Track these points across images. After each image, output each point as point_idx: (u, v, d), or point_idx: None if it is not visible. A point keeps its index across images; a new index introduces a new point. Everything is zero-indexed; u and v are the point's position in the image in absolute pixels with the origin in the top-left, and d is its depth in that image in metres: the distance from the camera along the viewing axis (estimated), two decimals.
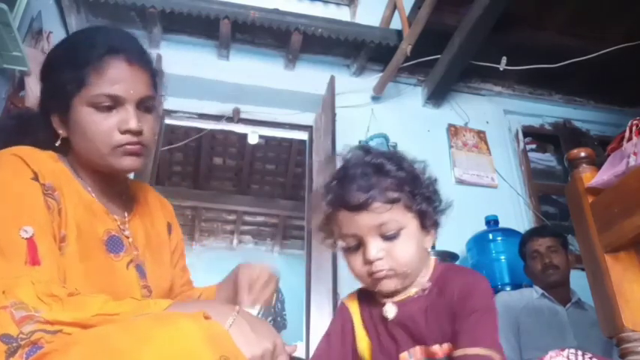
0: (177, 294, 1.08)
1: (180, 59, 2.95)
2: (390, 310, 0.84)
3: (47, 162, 0.88)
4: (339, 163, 0.95)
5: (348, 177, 0.87)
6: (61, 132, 0.92)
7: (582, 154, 1.20)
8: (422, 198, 0.87)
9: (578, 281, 1.99)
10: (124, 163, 0.91)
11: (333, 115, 2.82)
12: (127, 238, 0.96)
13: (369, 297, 0.89)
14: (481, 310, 0.80)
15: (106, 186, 0.96)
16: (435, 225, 0.89)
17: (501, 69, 3.01)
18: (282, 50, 3.14)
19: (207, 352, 0.60)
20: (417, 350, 0.82)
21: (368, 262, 0.83)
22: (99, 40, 0.91)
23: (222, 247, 6.75)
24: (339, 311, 0.92)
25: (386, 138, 3.07)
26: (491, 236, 2.64)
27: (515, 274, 2.49)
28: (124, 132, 0.89)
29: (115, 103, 0.89)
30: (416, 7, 2.87)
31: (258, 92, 3.06)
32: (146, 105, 0.93)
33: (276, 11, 2.95)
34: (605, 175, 1.11)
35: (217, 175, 5.90)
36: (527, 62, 3.06)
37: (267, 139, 5.08)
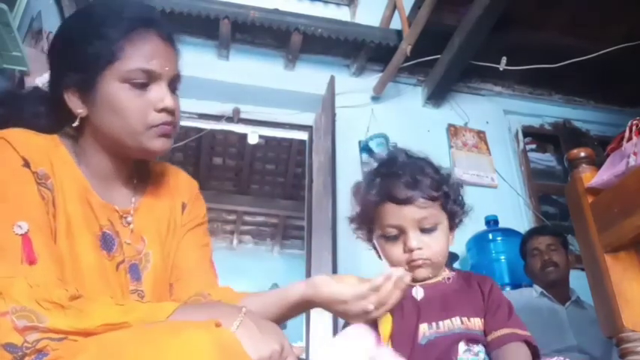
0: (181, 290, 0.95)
1: (180, 59, 2.94)
2: (419, 292, 0.97)
3: (42, 146, 0.82)
4: (365, 163, 1.07)
5: (394, 174, 0.98)
6: (80, 111, 0.84)
7: (582, 154, 1.20)
8: (453, 200, 1.00)
9: (578, 281, 1.99)
10: (157, 144, 0.85)
11: (333, 115, 2.82)
12: (129, 227, 0.89)
13: None
14: (505, 302, 0.98)
15: (113, 172, 0.90)
16: (457, 226, 1.03)
17: (501, 69, 3.01)
18: (282, 50, 3.13)
19: None
20: (435, 323, 0.94)
21: (408, 251, 0.95)
22: (130, 12, 0.85)
23: (222, 247, 6.74)
24: None
25: (386, 138, 3.07)
26: (491, 236, 2.64)
27: (515, 274, 2.49)
28: (159, 110, 0.83)
29: (149, 79, 0.83)
30: (416, 7, 2.87)
31: (258, 92, 3.06)
32: (175, 84, 0.89)
33: (276, 11, 2.95)
34: (605, 175, 1.11)
35: (217, 175, 5.90)
36: (527, 62, 3.06)
37: (267, 139, 5.09)
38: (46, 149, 0.82)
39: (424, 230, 0.96)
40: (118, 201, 0.91)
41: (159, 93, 0.84)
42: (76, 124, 0.85)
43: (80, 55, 0.83)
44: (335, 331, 2.24)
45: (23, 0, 2.04)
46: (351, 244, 2.66)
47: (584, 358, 2.00)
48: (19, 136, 0.80)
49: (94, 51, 0.82)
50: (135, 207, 0.92)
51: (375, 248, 1.07)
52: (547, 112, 3.57)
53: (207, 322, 0.64)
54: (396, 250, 0.97)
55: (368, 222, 1.02)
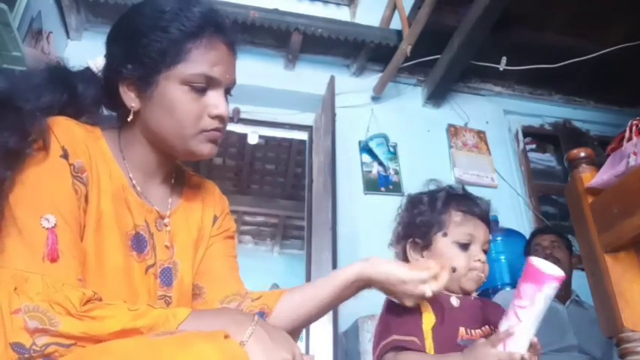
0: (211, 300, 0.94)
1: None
2: (456, 302, 1.07)
3: (82, 138, 0.79)
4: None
5: (473, 198, 1.14)
6: (134, 105, 0.83)
7: (582, 154, 1.20)
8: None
9: (579, 281, 1.99)
10: (205, 149, 0.84)
11: (333, 115, 2.82)
12: (166, 231, 0.88)
13: None
14: None
15: (152, 173, 0.89)
16: None
17: (501, 69, 3.01)
18: (282, 50, 3.13)
19: None
20: (471, 329, 1.04)
21: (477, 261, 1.07)
22: (204, 14, 0.83)
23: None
24: None
25: (386, 138, 3.08)
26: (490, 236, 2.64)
27: (515, 274, 2.49)
28: (213, 117, 0.83)
29: (209, 85, 0.83)
30: (416, 7, 2.87)
31: (258, 92, 3.06)
32: (230, 92, 0.89)
33: (276, 11, 2.95)
34: (605, 175, 1.11)
35: (217, 175, 5.89)
36: (527, 62, 3.06)
37: (267, 139, 5.08)
38: (86, 141, 0.80)
39: (484, 251, 1.10)
40: (156, 201, 0.89)
41: (216, 100, 0.83)
42: (130, 118, 0.83)
43: (145, 49, 0.81)
44: (335, 331, 2.24)
45: (23, 0, 2.04)
46: (351, 244, 2.68)
47: (585, 358, 2.00)
48: (61, 124, 0.78)
49: (161, 48, 0.80)
50: (171, 209, 0.91)
51: (411, 253, 1.13)
52: (547, 112, 3.57)
53: (216, 333, 0.64)
54: (463, 256, 1.08)
55: (438, 226, 1.10)
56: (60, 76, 0.86)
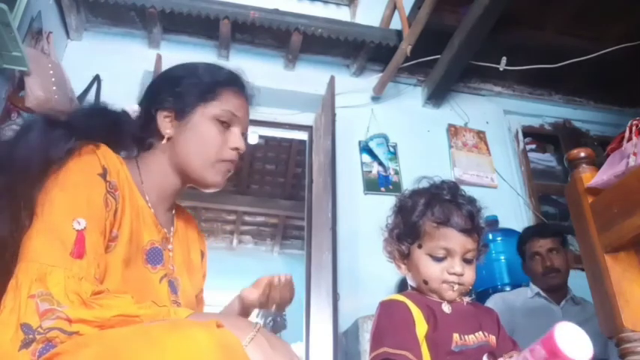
0: None
1: (180, 59, 2.90)
2: (447, 308, 1.06)
3: (116, 162, 0.92)
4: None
5: (456, 203, 1.08)
6: (169, 131, 0.99)
7: (582, 154, 1.20)
8: (483, 244, 1.10)
9: (578, 281, 1.99)
10: (217, 179, 1.01)
11: (333, 115, 2.82)
12: (169, 252, 1.00)
13: (417, 297, 1.08)
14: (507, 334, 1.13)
15: (164, 199, 1.02)
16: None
17: (501, 69, 3.01)
18: (282, 50, 3.14)
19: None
20: (464, 335, 1.03)
21: (451, 274, 1.04)
22: (230, 72, 1.07)
23: (221, 247, 6.73)
24: (400, 306, 1.05)
25: (386, 138, 3.08)
26: (490, 236, 2.64)
27: (514, 274, 2.49)
28: (233, 149, 1.01)
29: (232, 122, 1.01)
30: (416, 7, 2.87)
31: (258, 92, 3.05)
32: (244, 134, 1.06)
33: (276, 11, 2.95)
34: (605, 175, 1.11)
35: None
36: (527, 62, 3.06)
37: (267, 139, 5.08)
38: (118, 165, 0.93)
39: (465, 260, 1.06)
40: (164, 224, 1.02)
41: (236, 135, 1.02)
42: (164, 142, 0.99)
43: (188, 88, 1.01)
44: (335, 331, 2.24)
45: (23, 0, 2.04)
46: (351, 244, 2.68)
47: None
48: (103, 148, 0.91)
49: (200, 88, 1.00)
50: (172, 235, 1.05)
51: (396, 260, 1.13)
52: (547, 112, 3.57)
53: (209, 322, 0.65)
54: (437, 268, 1.05)
55: (414, 237, 1.09)
56: (104, 112, 1.03)
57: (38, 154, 0.82)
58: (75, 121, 0.93)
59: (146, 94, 1.07)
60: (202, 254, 1.17)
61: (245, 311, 1.14)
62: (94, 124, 0.95)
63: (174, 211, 1.08)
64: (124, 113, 1.05)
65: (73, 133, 0.87)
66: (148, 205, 0.97)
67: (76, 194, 0.81)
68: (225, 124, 1.00)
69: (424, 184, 1.15)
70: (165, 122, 1.00)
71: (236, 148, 1.01)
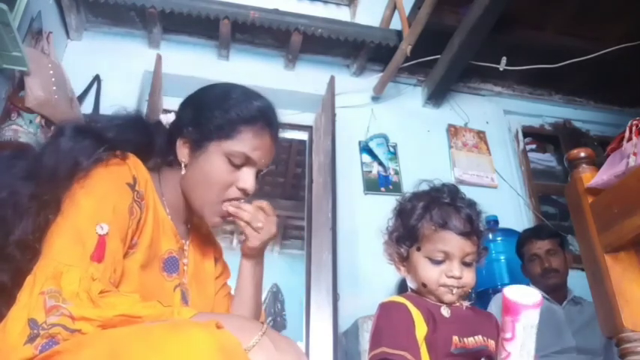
0: None
1: (180, 59, 2.95)
2: (446, 311, 1.06)
3: (145, 173, 0.95)
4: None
5: (455, 206, 1.07)
6: (184, 160, 0.98)
7: (582, 155, 1.20)
8: (484, 246, 1.10)
9: (578, 281, 1.99)
10: (215, 220, 0.99)
11: (333, 115, 2.82)
12: (184, 263, 1.02)
13: (417, 299, 1.08)
14: None
15: (181, 211, 1.02)
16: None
17: (501, 69, 3.01)
18: (282, 50, 3.14)
19: None
20: (464, 338, 1.03)
21: (449, 277, 1.04)
22: (258, 107, 1.00)
23: (222, 247, 6.73)
24: (399, 308, 1.05)
25: (386, 138, 3.08)
26: (490, 236, 2.64)
27: (514, 274, 2.49)
28: (240, 189, 0.98)
29: (245, 163, 0.97)
30: (416, 7, 2.87)
31: (258, 92, 3.05)
32: (261, 173, 1.03)
33: (276, 11, 2.95)
34: (605, 175, 1.11)
35: None
36: (527, 62, 3.06)
37: None
38: (147, 175, 0.95)
39: (464, 263, 1.05)
40: (182, 236, 1.03)
41: (247, 176, 0.98)
42: (183, 172, 0.99)
43: (207, 121, 0.97)
44: (335, 331, 2.24)
45: (23, 0, 2.04)
46: (351, 244, 2.68)
47: (584, 358, 2.00)
48: (133, 158, 0.93)
49: (218, 123, 0.96)
50: (188, 246, 1.06)
51: (396, 262, 1.13)
52: (547, 112, 3.57)
53: (208, 322, 0.66)
54: (435, 271, 1.05)
55: (413, 240, 1.09)
56: (139, 123, 1.03)
57: (66, 161, 0.83)
58: (107, 131, 0.93)
59: (178, 113, 1.05)
60: (216, 260, 1.17)
61: (249, 254, 1.11)
62: (127, 138, 0.96)
63: (189, 225, 1.08)
64: (158, 125, 1.05)
65: (103, 144, 0.89)
66: (169, 216, 0.99)
67: (103, 200, 0.83)
68: (237, 164, 0.97)
69: (424, 187, 1.15)
70: (182, 150, 0.99)
71: (243, 190, 0.98)
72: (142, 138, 1.01)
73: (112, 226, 0.81)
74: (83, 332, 0.69)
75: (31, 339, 0.67)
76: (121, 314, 0.71)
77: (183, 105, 1.06)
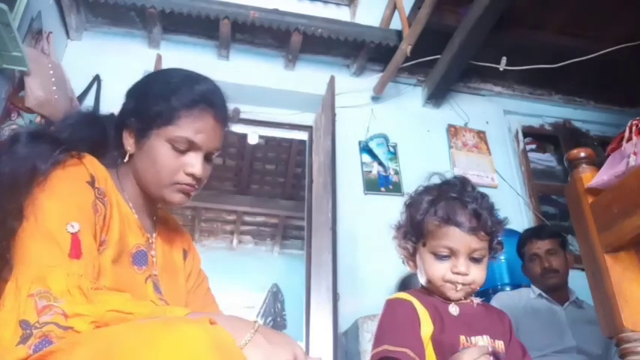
0: None
1: (180, 59, 2.93)
2: (455, 310, 1.04)
3: (102, 170, 0.95)
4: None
5: (463, 201, 1.04)
6: (130, 149, 0.99)
7: (582, 155, 1.20)
8: (498, 241, 1.08)
9: (578, 281, 1.99)
10: (176, 198, 0.99)
11: (333, 115, 2.82)
12: (152, 255, 1.02)
13: (425, 296, 1.06)
14: (518, 341, 1.11)
15: (143, 205, 1.03)
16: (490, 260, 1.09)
17: (501, 69, 3.01)
18: (282, 50, 3.14)
19: (212, 357, 0.60)
20: (471, 337, 1.01)
21: (455, 273, 1.02)
22: (198, 89, 0.99)
23: (222, 248, 6.74)
24: (404, 305, 1.04)
25: (386, 138, 3.08)
26: None
27: (515, 274, 2.49)
28: (188, 174, 0.97)
29: (190, 148, 0.97)
30: (416, 7, 2.87)
31: (258, 92, 3.06)
32: (212, 155, 1.02)
33: (276, 11, 2.95)
34: (605, 175, 1.11)
35: (217, 175, 5.90)
36: (527, 62, 3.06)
37: (267, 139, 5.09)
38: (105, 173, 0.95)
39: (472, 259, 1.03)
40: (147, 230, 1.03)
41: (193, 160, 0.97)
42: (126, 159, 1.00)
43: (147, 109, 0.97)
44: (335, 331, 2.24)
45: (23, 0, 2.04)
46: (351, 244, 2.68)
47: (584, 359, 2.00)
48: (89, 157, 0.93)
49: (158, 110, 0.96)
50: (154, 239, 1.06)
51: (407, 258, 1.12)
52: (547, 112, 3.57)
53: (202, 319, 0.66)
54: (442, 267, 1.03)
55: (418, 235, 1.07)
56: (92, 119, 1.05)
57: (24, 167, 0.83)
58: (61, 133, 0.94)
59: (123, 104, 1.04)
60: (185, 253, 1.15)
61: None
62: (81, 137, 0.96)
63: (155, 217, 1.08)
64: (111, 118, 1.05)
65: (59, 146, 0.88)
66: (132, 211, 1.00)
67: (66, 200, 0.83)
68: (181, 149, 0.96)
69: (436, 180, 1.12)
70: (128, 140, 0.99)
71: (191, 174, 0.97)
72: (96, 133, 1.01)
73: (81, 224, 0.81)
74: (76, 330, 0.69)
75: (24, 339, 0.67)
76: (113, 309, 0.71)
77: (126, 95, 1.05)
